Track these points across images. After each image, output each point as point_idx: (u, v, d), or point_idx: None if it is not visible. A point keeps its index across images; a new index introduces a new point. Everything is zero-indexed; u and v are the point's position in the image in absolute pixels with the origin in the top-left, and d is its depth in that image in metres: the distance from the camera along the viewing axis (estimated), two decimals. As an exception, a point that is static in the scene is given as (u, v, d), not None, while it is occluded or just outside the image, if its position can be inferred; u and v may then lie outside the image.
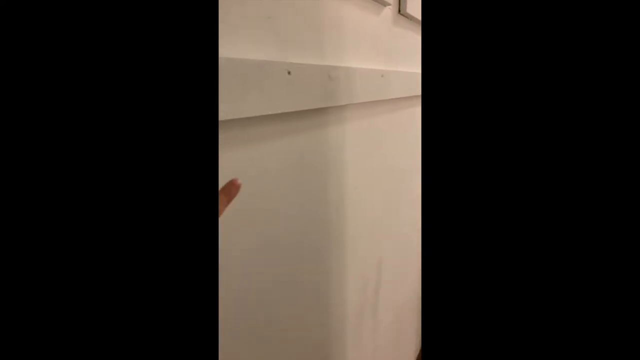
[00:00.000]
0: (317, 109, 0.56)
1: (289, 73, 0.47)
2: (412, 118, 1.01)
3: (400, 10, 0.82)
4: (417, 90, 0.95)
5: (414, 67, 0.96)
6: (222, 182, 0.42)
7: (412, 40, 0.94)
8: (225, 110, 0.38)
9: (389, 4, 0.75)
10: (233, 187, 0.30)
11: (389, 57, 0.80)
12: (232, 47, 0.41)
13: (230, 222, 0.44)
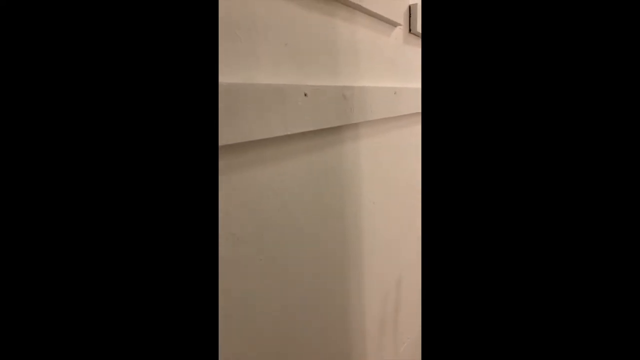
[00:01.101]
0: (332, 128, 0.59)
1: (305, 95, 0.50)
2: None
3: (411, 30, 0.85)
4: (431, 105, 0.96)
5: (427, 83, 0.98)
6: (245, 201, 0.44)
7: (423, 57, 0.95)
8: (247, 132, 0.41)
9: (400, 25, 0.78)
10: None
11: (401, 74, 0.83)
12: (253, 73, 0.44)
13: (250, 239, 0.46)
